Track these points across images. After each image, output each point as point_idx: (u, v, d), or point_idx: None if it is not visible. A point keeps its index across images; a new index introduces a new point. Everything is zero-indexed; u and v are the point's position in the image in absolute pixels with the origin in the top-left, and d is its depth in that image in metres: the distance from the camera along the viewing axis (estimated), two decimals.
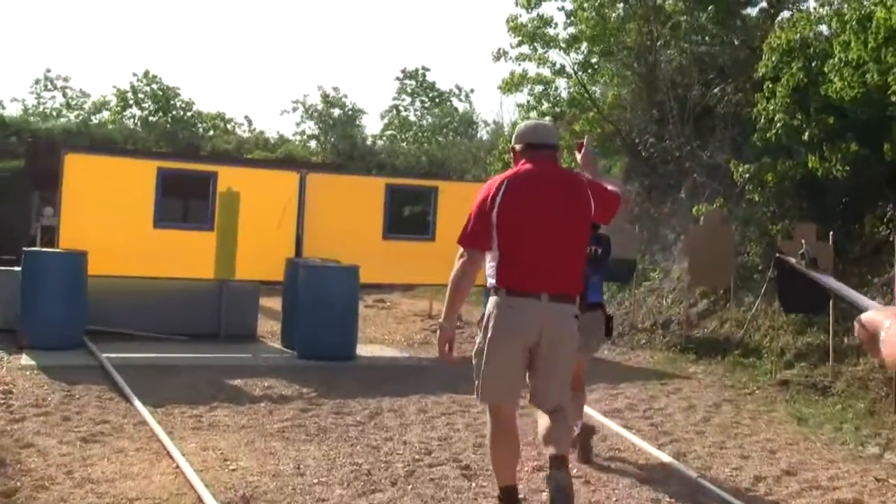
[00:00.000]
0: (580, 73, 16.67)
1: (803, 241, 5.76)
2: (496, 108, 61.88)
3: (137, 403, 7.78)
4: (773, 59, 11.35)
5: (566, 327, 4.81)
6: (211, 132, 33.38)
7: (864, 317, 1.91)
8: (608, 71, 16.96)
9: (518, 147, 5.00)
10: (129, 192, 11.59)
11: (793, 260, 4.72)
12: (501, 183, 4.80)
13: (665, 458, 6.72)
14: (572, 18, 16.80)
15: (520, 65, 17.02)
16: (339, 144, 30.44)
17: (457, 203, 13.07)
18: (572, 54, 16.78)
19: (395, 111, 34.77)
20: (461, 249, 4.83)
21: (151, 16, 61.02)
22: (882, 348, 1.82)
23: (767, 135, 11.19)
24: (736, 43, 14.88)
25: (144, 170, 11.85)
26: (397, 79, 35.29)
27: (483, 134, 29.33)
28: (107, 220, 11.15)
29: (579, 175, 5.11)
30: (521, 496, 5.16)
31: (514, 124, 19.38)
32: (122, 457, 6.22)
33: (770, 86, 11.53)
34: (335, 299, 10.72)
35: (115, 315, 11.51)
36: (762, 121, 11.40)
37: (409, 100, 34.92)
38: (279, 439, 6.88)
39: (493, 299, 4.85)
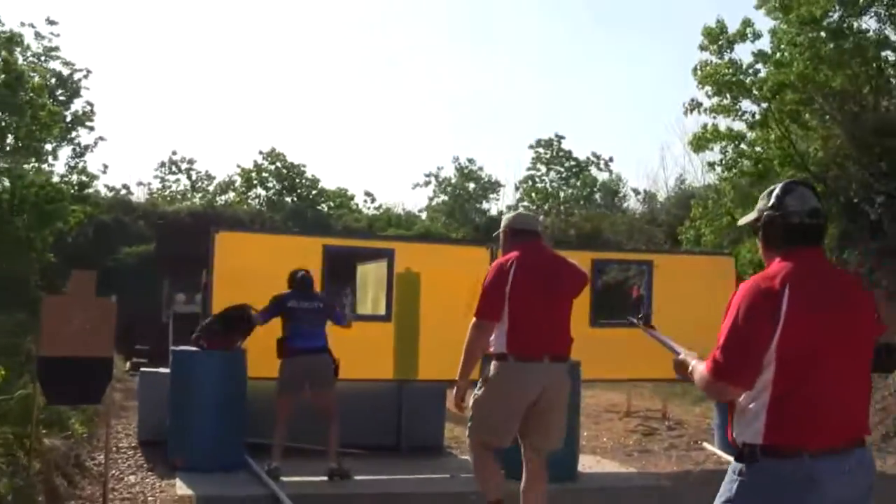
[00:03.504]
0: (785, 123, 14.30)
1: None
2: (649, 175, 58.75)
3: None
4: None
5: (564, 382, 5.85)
6: (335, 211, 31.89)
7: (676, 359, 3.56)
8: (814, 121, 14.60)
9: (510, 231, 6.03)
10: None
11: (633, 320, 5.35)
12: (511, 263, 5.74)
13: None
14: (767, 64, 14.59)
15: (714, 118, 14.86)
16: (475, 218, 28.58)
17: (675, 280, 10.87)
18: (768, 104, 14.46)
19: (530, 182, 32.75)
20: (475, 320, 5.74)
21: (273, 95, 60.57)
22: (693, 377, 3.22)
23: None
24: None
25: (308, 248, 9.90)
26: (531, 147, 33.31)
27: (632, 204, 27.00)
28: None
29: (563, 257, 6.24)
30: None
31: (709, 186, 17.23)
32: None
33: None
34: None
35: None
36: None
37: (544, 169, 32.87)
38: None
39: (498, 363, 5.72)
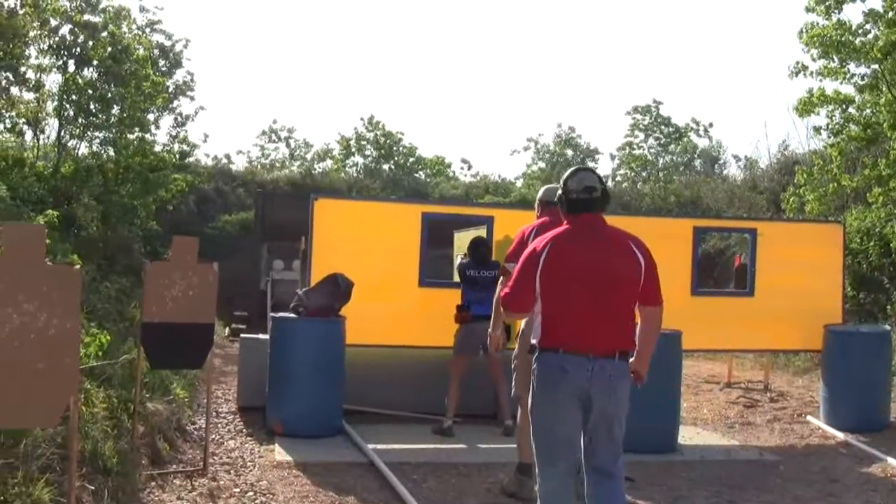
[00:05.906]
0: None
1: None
2: (752, 142, 57.94)
3: None
4: None
5: None
6: (432, 179, 31.89)
7: None
8: None
9: (541, 202, 6.94)
10: (388, 243, 9.70)
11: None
12: (532, 229, 6.47)
13: None
14: (878, 23, 13.97)
15: (820, 81, 14.30)
16: None
17: (781, 248, 10.56)
18: (879, 66, 13.83)
19: (627, 149, 32.24)
20: (502, 278, 6.51)
21: (372, 64, 60.89)
22: None
23: None
24: None
25: (406, 215, 9.89)
26: (628, 113, 32.79)
27: (733, 171, 26.31)
28: (364, 277, 9.15)
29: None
30: None
31: (814, 152, 16.68)
32: None
33: None
34: None
35: (371, 391, 9.56)
36: None
37: (642, 136, 32.31)
38: None
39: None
